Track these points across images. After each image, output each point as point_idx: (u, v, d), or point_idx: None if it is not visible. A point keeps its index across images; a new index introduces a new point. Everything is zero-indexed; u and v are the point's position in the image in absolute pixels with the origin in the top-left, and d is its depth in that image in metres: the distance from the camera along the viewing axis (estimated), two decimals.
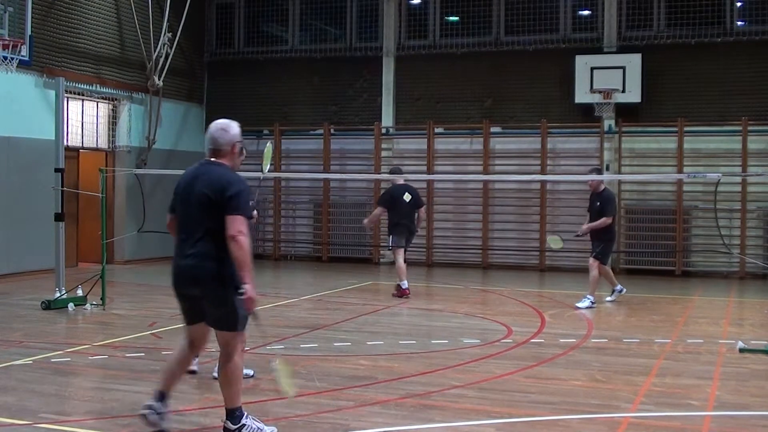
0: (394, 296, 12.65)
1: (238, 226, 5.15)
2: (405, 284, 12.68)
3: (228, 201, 5.22)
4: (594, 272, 11.83)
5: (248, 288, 5.16)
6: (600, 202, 11.88)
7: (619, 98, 16.50)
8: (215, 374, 7.06)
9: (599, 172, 12.69)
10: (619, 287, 12.38)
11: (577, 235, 12.18)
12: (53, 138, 11.48)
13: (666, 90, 16.75)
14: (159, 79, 17.46)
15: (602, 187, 12.02)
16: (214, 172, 5.39)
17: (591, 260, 11.92)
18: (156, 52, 17.43)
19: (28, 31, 14.33)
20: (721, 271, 16.36)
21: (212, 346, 7.83)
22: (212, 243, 5.29)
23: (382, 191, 14.10)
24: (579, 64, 16.75)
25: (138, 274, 15.58)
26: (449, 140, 18.18)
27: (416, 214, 12.97)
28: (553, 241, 12.47)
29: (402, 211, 12.78)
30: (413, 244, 15.79)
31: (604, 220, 11.79)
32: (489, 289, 14.47)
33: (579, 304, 11.64)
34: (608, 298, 12.23)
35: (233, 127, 5.53)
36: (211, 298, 5.38)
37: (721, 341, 9.19)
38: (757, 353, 8.37)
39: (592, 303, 11.70)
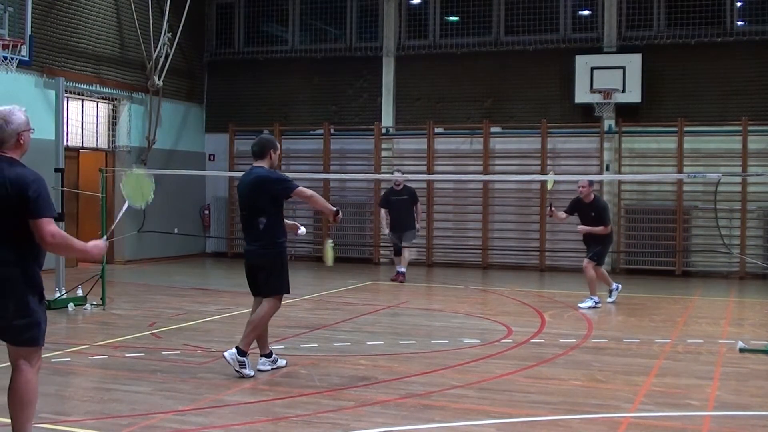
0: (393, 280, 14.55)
1: (49, 230, 4.66)
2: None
3: (31, 203, 4.62)
4: (590, 273, 11.72)
5: (95, 244, 4.97)
6: (595, 212, 11.65)
7: (619, 98, 16.49)
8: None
9: (591, 182, 12.02)
10: (615, 285, 12.20)
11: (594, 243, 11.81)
12: (53, 138, 11.46)
13: (666, 90, 16.75)
14: (159, 79, 17.46)
15: (593, 195, 11.82)
16: (10, 170, 4.69)
17: (585, 261, 11.78)
18: (156, 52, 17.44)
19: (28, 31, 14.32)
20: (721, 271, 16.35)
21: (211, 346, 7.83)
22: (11, 247, 4.67)
23: (384, 191, 15.20)
24: (579, 64, 16.75)
25: (138, 274, 15.58)
26: (449, 140, 18.18)
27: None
28: (550, 183, 12.56)
29: None
30: (415, 243, 15.85)
31: (603, 228, 11.68)
32: (489, 289, 14.46)
33: (581, 305, 11.58)
34: (609, 300, 12.12)
35: (17, 115, 4.79)
36: (9, 308, 4.69)
37: (721, 341, 9.18)
38: (757, 353, 8.37)
39: (596, 303, 11.63)
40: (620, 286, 12.32)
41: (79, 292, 11.29)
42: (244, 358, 7.13)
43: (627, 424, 5.93)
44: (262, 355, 7.43)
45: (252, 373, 7.16)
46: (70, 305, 10.90)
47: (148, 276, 15.26)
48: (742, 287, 14.89)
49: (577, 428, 5.86)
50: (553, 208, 11.93)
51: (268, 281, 7.34)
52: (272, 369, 7.38)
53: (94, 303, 11.09)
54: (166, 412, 6.08)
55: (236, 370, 7.09)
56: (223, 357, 7.16)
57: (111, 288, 12.35)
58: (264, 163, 7.40)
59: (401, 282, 14.39)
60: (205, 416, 6.05)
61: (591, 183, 11.84)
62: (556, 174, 12.66)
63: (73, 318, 10.45)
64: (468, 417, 6.04)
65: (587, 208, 11.73)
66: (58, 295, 11.04)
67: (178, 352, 8.29)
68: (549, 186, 12.52)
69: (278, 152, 7.52)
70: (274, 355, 7.49)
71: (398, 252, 14.71)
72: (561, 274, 16.49)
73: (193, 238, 18.60)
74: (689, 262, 16.72)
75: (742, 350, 8.47)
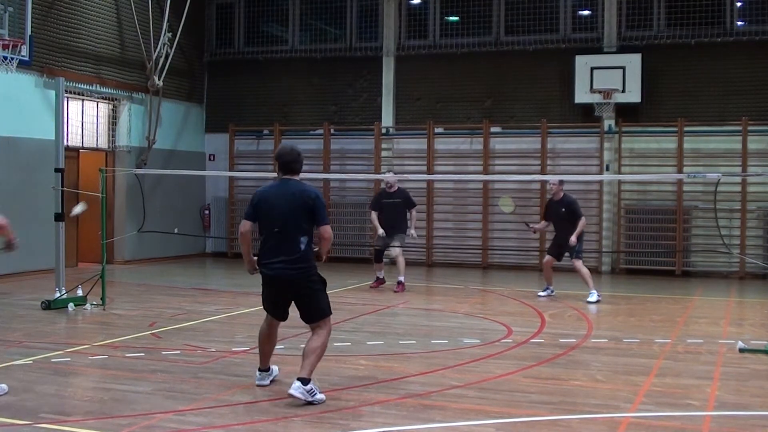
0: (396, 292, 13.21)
1: None
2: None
3: None
4: (584, 270, 12.34)
5: None
6: (565, 208, 12.33)
7: (619, 98, 16.49)
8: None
9: (561, 182, 12.65)
10: (552, 288, 12.82)
11: (571, 246, 12.31)
12: (53, 138, 11.47)
13: (666, 90, 16.75)
14: (159, 79, 17.46)
15: (562, 194, 12.47)
16: None
17: (575, 262, 12.36)
18: (156, 52, 17.43)
19: (28, 31, 14.32)
20: (721, 271, 16.35)
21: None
22: None
23: (377, 193, 14.75)
24: (579, 64, 16.75)
25: (138, 274, 15.57)
26: (449, 140, 18.18)
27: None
28: (505, 205, 13.31)
29: None
30: (415, 243, 15.82)
31: (584, 222, 12.30)
32: (489, 289, 14.46)
33: (589, 299, 12.07)
34: (541, 294, 12.74)
35: None
36: None
37: (721, 341, 9.18)
38: (757, 353, 8.36)
39: (598, 295, 12.19)
40: (554, 292, 12.86)
41: (79, 292, 11.28)
42: (311, 385, 6.32)
43: (627, 424, 5.93)
44: (261, 370, 6.89)
45: (324, 398, 6.40)
46: (70, 305, 10.90)
47: (148, 276, 15.26)
48: (742, 287, 14.89)
49: (577, 428, 5.86)
50: (531, 225, 13.30)
51: (317, 306, 6.59)
52: (270, 383, 6.91)
53: (94, 303, 11.09)
54: (166, 412, 6.08)
55: (308, 401, 6.24)
56: (291, 395, 6.25)
57: (111, 288, 12.35)
58: (296, 178, 6.68)
59: (398, 291, 13.09)
60: (205, 416, 6.05)
61: (561, 182, 12.59)
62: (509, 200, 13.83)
63: (73, 318, 10.45)
64: (468, 417, 6.04)
65: (557, 206, 12.45)
66: (58, 295, 11.04)
67: (178, 352, 8.29)
68: (507, 209, 13.46)
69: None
70: (272, 368, 7.01)
71: (379, 258, 13.59)
72: (560, 274, 16.42)
73: (193, 238, 18.60)
74: (689, 262, 16.71)
75: (742, 350, 8.47)
